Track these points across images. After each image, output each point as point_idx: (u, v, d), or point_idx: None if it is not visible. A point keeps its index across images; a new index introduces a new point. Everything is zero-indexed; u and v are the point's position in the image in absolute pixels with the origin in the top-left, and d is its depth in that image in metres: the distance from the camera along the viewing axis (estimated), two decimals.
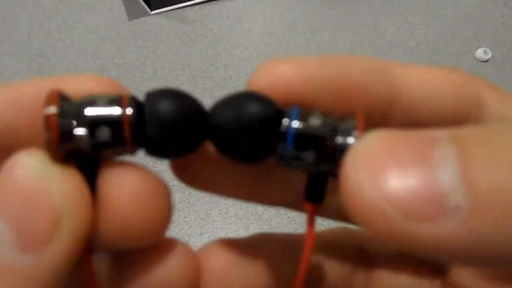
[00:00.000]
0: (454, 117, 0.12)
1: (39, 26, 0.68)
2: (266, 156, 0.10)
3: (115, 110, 0.10)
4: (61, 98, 0.10)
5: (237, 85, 0.60)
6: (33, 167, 0.09)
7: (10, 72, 0.62)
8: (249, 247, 0.13)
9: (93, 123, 0.10)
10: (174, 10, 0.70)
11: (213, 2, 0.71)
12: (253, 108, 0.10)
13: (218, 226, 0.48)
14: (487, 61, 0.65)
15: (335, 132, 0.10)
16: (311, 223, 0.11)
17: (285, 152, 0.10)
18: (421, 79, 0.12)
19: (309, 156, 0.10)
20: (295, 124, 0.10)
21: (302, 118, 0.10)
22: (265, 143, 0.10)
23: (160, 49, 0.65)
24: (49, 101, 0.09)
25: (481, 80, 0.12)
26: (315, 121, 0.10)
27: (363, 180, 0.08)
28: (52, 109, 0.09)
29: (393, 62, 0.12)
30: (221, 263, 0.12)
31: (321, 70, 0.11)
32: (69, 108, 0.10)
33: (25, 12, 0.70)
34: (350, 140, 0.10)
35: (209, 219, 0.49)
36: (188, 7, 0.71)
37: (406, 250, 0.08)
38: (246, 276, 0.12)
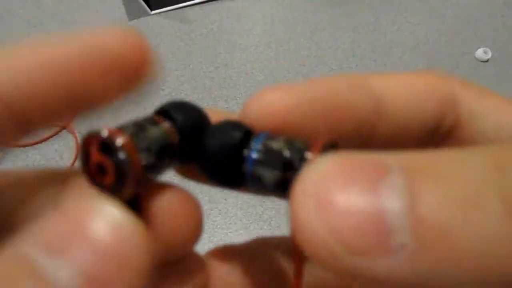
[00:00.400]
0: (435, 118, 0.12)
1: (39, 26, 0.68)
2: (237, 179, 0.11)
3: (168, 137, 0.10)
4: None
5: (237, 85, 0.60)
6: (113, 219, 0.09)
7: None
8: (247, 253, 0.13)
9: (159, 153, 0.10)
10: (174, 10, 0.70)
11: (213, 2, 0.71)
12: (221, 135, 0.11)
13: (218, 226, 0.48)
14: (487, 61, 0.65)
15: (296, 156, 0.10)
16: (298, 276, 0.11)
17: (247, 173, 0.10)
18: (399, 86, 0.12)
19: (269, 177, 0.10)
20: (258, 147, 0.10)
21: (266, 141, 0.10)
22: (231, 165, 0.10)
23: (160, 49, 0.65)
24: (120, 141, 0.09)
25: (456, 79, 0.12)
26: (276, 144, 0.10)
27: (310, 211, 0.08)
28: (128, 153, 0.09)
29: (372, 74, 0.12)
30: (221, 271, 0.12)
31: (309, 94, 0.11)
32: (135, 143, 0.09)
33: (25, 12, 0.70)
34: (304, 164, 0.10)
35: (209, 219, 0.49)
36: (188, 7, 0.71)
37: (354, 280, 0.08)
38: (245, 283, 0.12)
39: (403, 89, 0.12)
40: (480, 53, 0.65)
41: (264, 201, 0.50)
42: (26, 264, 0.08)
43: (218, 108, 0.55)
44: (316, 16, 0.70)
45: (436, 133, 0.12)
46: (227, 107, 0.56)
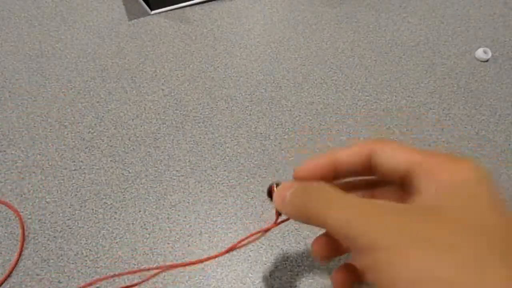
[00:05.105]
0: (364, 162, 0.27)
1: (39, 26, 0.68)
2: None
3: None
4: None
5: (237, 85, 0.60)
6: None
7: (10, 72, 0.62)
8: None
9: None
10: (174, 10, 0.70)
11: (213, 2, 0.71)
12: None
13: (218, 226, 0.48)
14: (487, 61, 0.65)
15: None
16: (276, 217, 0.32)
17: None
18: (349, 154, 0.28)
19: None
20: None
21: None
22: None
23: (160, 49, 0.65)
24: None
25: (379, 141, 0.27)
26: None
27: (277, 197, 0.28)
28: None
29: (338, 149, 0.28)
30: None
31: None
32: None
33: (25, 12, 0.70)
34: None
35: (209, 219, 0.49)
36: (188, 7, 0.71)
37: None
38: None
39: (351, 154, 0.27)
40: (480, 53, 0.65)
41: (264, 201, 0.50)
42: None
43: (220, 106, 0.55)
44: (316, 16, 0.70)
45: (368, 170, 0.26)
46: (227, 107, 0.56)
